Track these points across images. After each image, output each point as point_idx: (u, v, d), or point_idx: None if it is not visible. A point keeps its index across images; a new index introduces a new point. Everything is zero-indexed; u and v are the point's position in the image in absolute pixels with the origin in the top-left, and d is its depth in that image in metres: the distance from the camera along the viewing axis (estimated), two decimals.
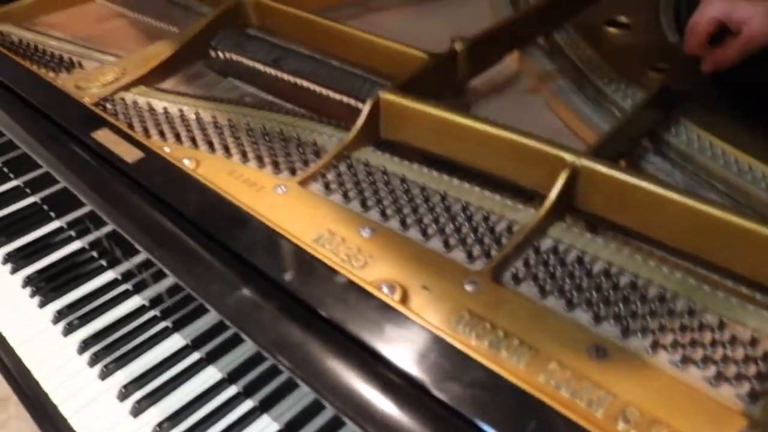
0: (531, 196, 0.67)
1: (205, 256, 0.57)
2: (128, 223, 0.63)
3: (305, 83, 0.84)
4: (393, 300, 0.53)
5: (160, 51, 0.92)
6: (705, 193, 0.70)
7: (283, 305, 0.52)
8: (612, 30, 0.97)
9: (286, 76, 0.86)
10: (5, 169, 1.05)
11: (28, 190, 1.01)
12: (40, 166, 0.82)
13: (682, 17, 1.01)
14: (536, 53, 0.92)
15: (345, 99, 0.81)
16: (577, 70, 0.88)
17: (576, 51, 0.91)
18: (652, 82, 0.84)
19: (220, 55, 0.93)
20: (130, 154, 0.69)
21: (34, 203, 0.99)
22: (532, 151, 0.65)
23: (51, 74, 0.93)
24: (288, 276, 0.54)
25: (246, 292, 0.54)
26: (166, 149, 0.74)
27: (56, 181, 0.81)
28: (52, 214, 0.96)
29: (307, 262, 0.55)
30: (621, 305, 0.55)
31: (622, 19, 0.99)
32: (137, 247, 0.63)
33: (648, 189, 0.60)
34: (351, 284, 0.53)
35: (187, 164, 0.70)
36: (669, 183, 0.70)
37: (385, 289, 0.55)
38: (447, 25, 1.02)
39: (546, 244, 0.61)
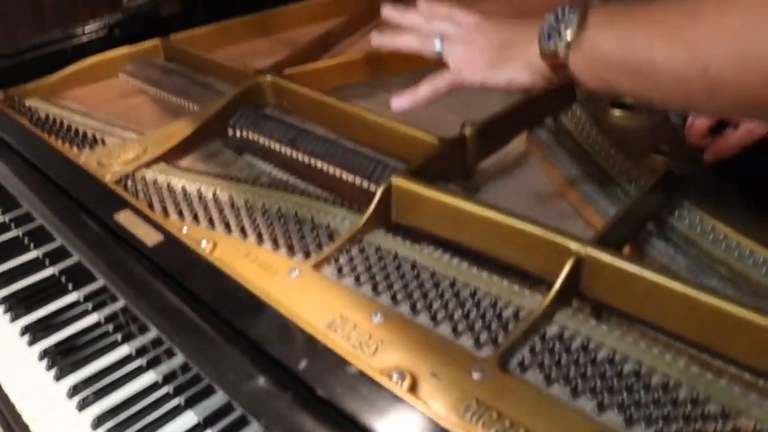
0: (539, 281, 0.69)
1: (221, 343, 0.59)
2: (148, 307, 0.65)
3: (320, 164, 0.88)
4: (403, 389, 0.55)
5: (181, 129, 0.96)
6: (707, 279, 0.72)
7: (297, 394, 0.54)
8: (617, 112, 1.00)
9: (301, 157, 0.90)
10: (26, 240, 1.08)
11: (46, 262, 1.04)
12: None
13: None
14: (543, 134, 0.95)
15: (358, 181, 0.84)
16: (583, 151, 0.91)
17: (582, 133, 0.94)
18: (656, 165, 0.86)
19: (238, 133, 0.97)
20: (150, 236, 0.72)
21: (53, 275, 1.01)
22: (537, 239, 0.67)
23: (75, 150, 0.97)
24: (302, 365, 0.55)
25: (261, 380, 0.55)
26: (185, 230, 0.77)
27: (74, 254, 0.83)
28: (70, 287, 0.98)
29: (320, 351, 0.57)
30: (625, 393, 0.56)
31: (627, 100, 1.02)
32: (157, 333, 0.65)
33: (650, 278, 0.62)
34: (362, 374, 0.55)
35: (205, 246, 0.73)
36: (672, 269, 0.72)
37: (395, 377, 0.56)
38: (458, 104, 1.06)
39: (552, 330, 0.62)
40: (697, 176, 0.83)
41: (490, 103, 0.96)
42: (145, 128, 1.02)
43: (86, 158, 0.93)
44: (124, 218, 0.76)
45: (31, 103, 1.12)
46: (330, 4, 1.36)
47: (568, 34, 0.63)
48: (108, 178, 0.88)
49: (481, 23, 0.78)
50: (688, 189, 0.81)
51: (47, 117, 1.06)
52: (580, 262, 0.65)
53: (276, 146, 0.92)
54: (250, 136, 0.95)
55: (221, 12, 1.30)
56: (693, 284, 0.61)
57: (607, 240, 0.69)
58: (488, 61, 0.74)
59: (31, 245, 1.07)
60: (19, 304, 0.97)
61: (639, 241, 0.75)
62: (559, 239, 0.66)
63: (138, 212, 0.78)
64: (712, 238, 0.75)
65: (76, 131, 1.01)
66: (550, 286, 0.65)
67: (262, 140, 0.94)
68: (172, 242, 0.72)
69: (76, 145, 0.98)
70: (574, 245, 0.65)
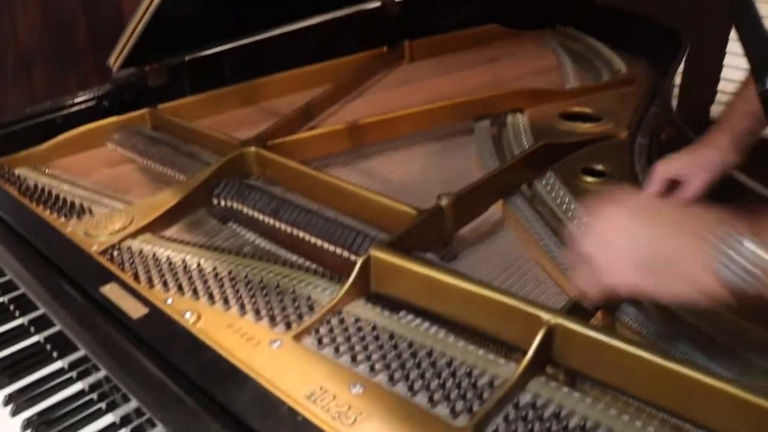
0: (514, 349, 0.71)
1: (204, 417, 0.60)
2: (131, 380, 0.67)
3: (302, 234, 0.90)
4: None
5: (167, 199, 0.98)
6: (677, 343, 0.74)
7: None
8: (589, 178, 1.03)
9: (283, 226, 0.92)
10: (11, 307, 1.08)
11: (32, 329, 1.04)
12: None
13: (655, 161, 1.09)
14: (519, 202, 0.98)
15: (339, 251, 0.86)
16: (557, 218, 0.95)
17: (555, 200, 0.98)
18: None
19: (222, 203, 1.00)
20: (135, 309, 0.74)
21: (37, 342, 1.02)
22: (510, 309, 0.69)
23: (62, 219, 0.99)
24: None
25: None
26: (169, 301, 0.78)
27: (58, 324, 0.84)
28: (54, 354, 0.99)
29: (300, 423, 0.59)
30: None
31: (599, 167, 1.06)
32: (142, 408, 0.66)
33: (618, 347, 0.64)
34: None
35: (188, 318, 0.75)
36: (643, 334, 0.75)
37: None
38: (436, 171, 1.10)
39: (525, 399, 0.64)
40: None
41: (470, 174, 1.00)
42: (132, 197, 1.04)
43: (73, 228, 0.95)
44: (110, 291, 0.78)
45: (20, 171, 1.14)
46: (311, 75, 1.40)
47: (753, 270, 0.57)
48: (94, 248, 0.90)
49: (618, 222, 0.68)
50: None
51: (36, 186, 1.08)
52: (551, 332, 0.67)
53: (259, 216, 0.95)
54: (234, 205, 0.98)
55: (207, 82, 1.34)
56: (660, 352, 0.64)
57: (579, 308, 0.72)
58: (643, 272, 0.64)
59: (17, 313, 1.08)
60: (2, 373, 0.97)
61: (610, 309, 0.78)
62: (530, 309, 0.68)
63: (123, 284, 0.79)
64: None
65: (64, 200, 1.03)
66: (524, 354, 0.67)
67: (246, 210, 0.97)
68: (156, 315, 0.74)
69: (64, 215, 1.00)
70: (545, 315, 0.67)
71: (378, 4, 1.65)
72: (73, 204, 1.02)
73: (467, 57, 1.57)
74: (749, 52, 0.63)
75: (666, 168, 0.98)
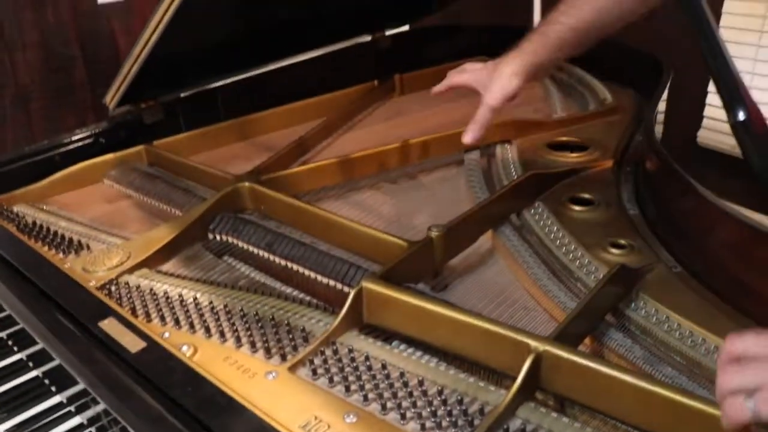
0: (504, 376, 0.73)
1: None
2: (130, 413, 0.68)
3: (296, 267, 0.92)
4: None
5: (163, 235, 1.00)
6: (662, 367, 0.76)
7: None
8: (577, 207, 1.06)
9: (278, 260, 0.94)
10: (9, 342, 1.10)
11: (30, 364, 1.06)
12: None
13: (640, 191, 1.11)
14: (508, 231, 1.01)
15: (332, 283, 0.88)
16: (545, 246, 0.97)
17: (543, 229, 1.00)
18: (614, 259, 0.92)
19: (218, 237, 1.02)
20: (133, 344, 0.75)
21: (36, 377, 1.03)
22: (499, 337, 0.71)
23: (60, 255, 1.01)
24: None
25: None
26: (166, 335, 0.80)
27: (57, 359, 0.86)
28: (53, 389, 1.00)
29: None
30: None
31: (586, 195, 1.09)
32: None
33: (605, 372, 0.66)
34: None
35: (185, 351, 0.76)
36: (629, 359, 0.77)
37: None
38: (427, 203, 1.12)
39: (515, 425, 0.66)
40: (653, 268, 0.89)
41: (459, 205, 1.03)
42: (129, 233, 1.06)
43: (71, 264, 0.97)
44: (108, 326, 0.79)
45: (18, 209, 1.16)
46: (304, 109, 1.44)
47: None
48: (92, 284, 0.91)
49: None
50: (643, 281, 0.86)
51: (34, 223, 1.10)
52: (539, 358, 0.69)
53: (254, 250, 0.97)
54: (230, 240, 1.00)
55: (202, 118, 1.37)
56: (646, 377, 0.66)
57: (567, 334, 0.74)
58: None
59: (15, 348, 1.09)
60: (1, 408, 0.98)
61: (598, 334, 0.80)
62: (519, 337, 0.70)
63: (121, 319, 0.81)
64: (667, 327, 0.80)
65: (62, 237, 1.05)
66: (513, 380, 0.69)
67: (241, 244, 0.99)
68: (154, 349, 0.75)
69: (62, 251, 1.01)
70: (533, 342, 0.69)
71: (369, 38, 1.69)
72: (71, 240, 1.04)
73: (457, 89, 1.60)
74: (719, 85, 0.66)
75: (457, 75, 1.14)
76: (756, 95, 0.75)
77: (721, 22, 2.04)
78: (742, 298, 0.82)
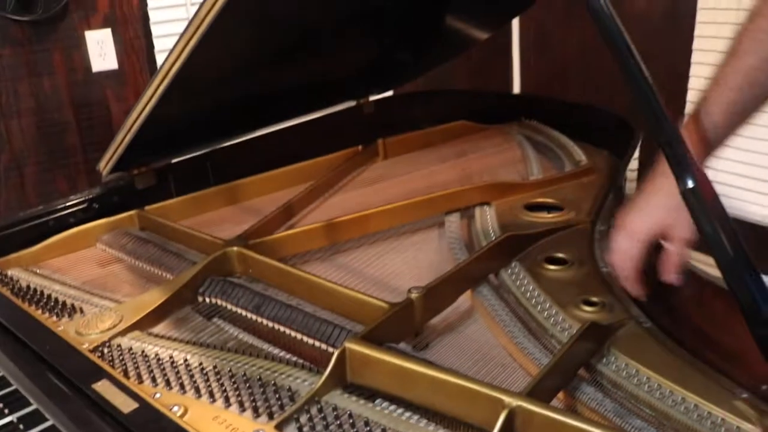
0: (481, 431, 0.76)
1: None
2: None
3: (283, 328, 0.96)
4: None
5: (154, 298, 1.04)
6: (632, 420, 0.80)
7: None
8: (552, 267, 1.11)
9: (265, 322, 0.98)
10: (0, 405, 1.11)
11: (21, 426, 1.07)
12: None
13: None
14: (486, 291, 1.05)
15: (317, 344, 0.92)
16: (521, 306, 1.01)
17: (520, 288, 1.04)
18: (586, 316, 0.97)
19: (207, 300, 1.06)
20: (125, 404, 0.79)
21: None
22: (474, 393, 0.75)
23: (54, 318, 1.04)
24: None
25: None
26: (158, 395, 0.83)
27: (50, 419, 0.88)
28: None
29: None
30: None
31: (561, 255, 1.14)
32: None
33: (575, 426, 0.70)
34: None
35: (176, 411, 0.80)
36: (600, 413, 0.81)
37: None
38: (408, 265, 1.17)
39: None
40: (624, 323, 0.93)
41: (440, 266, 1.07)
42: (121, 296, 1.10)
43: (65, 327, 1.00)
44: (102, 387, 0.82)
45: (13, 272, 1.19)
46: (291, 174, 1.49)
47: None
48: (86, 346, 0.95)
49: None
50: (614, 336, 0.90)
51: (28, 286, 1.13)
52: (512, 414, 0.73)
53: (242, 312, 1.01)
54: (219, 302, 1.04)
55: (192, 183, 1.42)
56: (616, 429, 0.69)
57: (540, 390, 0.78)
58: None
59: (6, 410, 1.11)
60: None
61: (570, 388, 0.84)
62: (493, 393, 0.74)
63: (114, 380, 0.84)
64: (636, 381, 0.84)
65: (56, 300, 1.08)
66: None
67: (230, 306, 1.03)
68: (146, 409, 0.78)
69: (56, 314, 1.05)
70: (506, 398, 0.73)
71: (353, 104, 1.77)
72: (64, 304, 1.07)
73: (438, 152, 1.67)
74: (668, 156, 0.72)
75: (641, 227, 0.93)
76: None
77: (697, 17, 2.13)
78: (706, 349, 0.86)
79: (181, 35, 1.07)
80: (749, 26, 0.85)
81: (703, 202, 0.71)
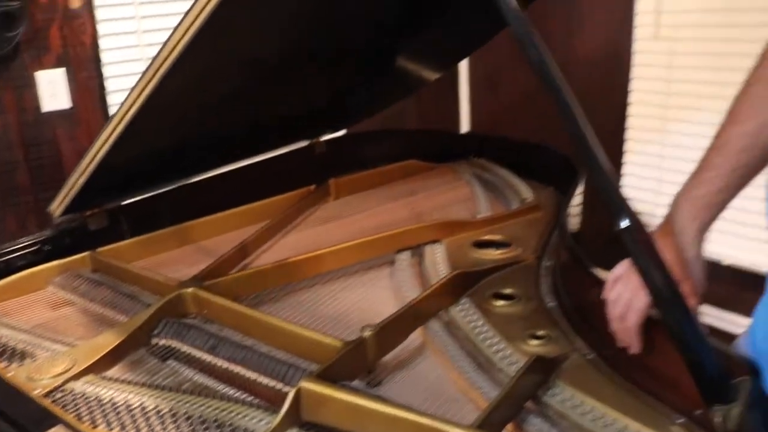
0: None
1: None
2: None
3: (238, 369, 0.98)
4: None
5: (108, 341, 1.04)
6: None
7: None
8: (499, 302, 1.15)
9: (220, 362, 1.00)
10: None
11: None
12: None
13: (558, 282, 1.21)
14: (436, 327, 1.08)
15: (272, 383, 0.94)
16: (470, 341, 1.05)
17: (469, 324, 1.08)
18: (533, 350, 1.01)
19: (162, 342, 1.06)
20: None
21: None
22: (427, 428, 0.78)
23: (4, 364, 1.03)
24: None
25: None
26: None
27: None
28: None
29: None
30: None
31: (508, 291, 1.18)
32: None
33: None
34: None
35: None
36: None
37: None
38: (361, 303, 1.19)
39: None
40: (568, 355, 0.98)
41: (392, 304, 1.10)
42: (74, 340, 1.09)
43: (15, 372, 0.99)
44: None
45: None
46: (245, 214, 1.51)
47: None
48: (38, 392, 0.94)
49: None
50: (560, 369, 0.94)
51: None
52: None
53: (197, 353, 1.02)
54: (173, 344, 1.05)
55: (145, 224, 1.43)
56: None
57: (488, 423, 0.81)
58: None
59: None
60: None
61: (518, 420, 0.87)
62: (443, 427, 0.77)
63: (68, 426, 0.84)
64: (581, 411, 0.88)
65: (5, 345, 1.07)
66: None
67: (185, 348, 1.04)
68: None
69: (6, 360, 1.04)
70: (454, 431, 0.76)
71: (306, 143, 1.80)
72: (14, 349, 1.07)
73: (389, 191, 1.71)
74: (605, 198, 0.77)
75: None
76: None
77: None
78: (647, 378, 0.91)
79: (139, 80, 1.09)
80: (748, 91, 0.90)
81: (636, 242, 0.76)
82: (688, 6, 2.10)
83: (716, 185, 0.90)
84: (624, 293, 0.93)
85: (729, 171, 0.90)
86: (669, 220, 0.94)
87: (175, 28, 1.03)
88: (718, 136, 0.92)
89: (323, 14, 1.33)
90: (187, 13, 1.01)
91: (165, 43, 1.04)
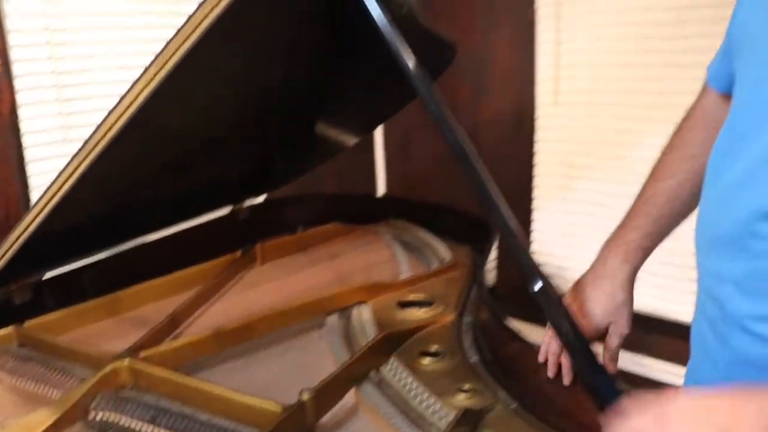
0: None
1: None
2: None
3: None
4: None
5: (42, 419, 1.02)
6: None
7: None
8: (426, 360, 1.21)
9: None
10: None
11: None
12: None
13: (479, 337, 1.29)
14: (369, 387, 1.13)
15: None
16: (402, 399, 1.10)
17: (399, 382, 1.14)
18: (460, 403, 1.07)
19: (99, 416, 1.07)
20: None
21: None
22: None
23: None
24: None
25: None
26: None
27: None
28: None
29: None
30: None
31: (433, 348, 1.25)
32: None
33: None
34: None
35: None
36: None
37: None
38: (295, 366, 1.23)
39: None
40: (492, 406, 1.05)
41: (325, 366, 1.15)
42: (2, 419, 1.07)
43: None
44: None
45: None
46: (172, 283, 1.53)
47: None
48: None
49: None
50: (485, 419, 1.01)
51: None
52: None
53: (137, 426, 1.03)
54: (112, 418, 1.06)
55: (70, 296, 1.42)
56: None
57: None
58: None
59: None
60: None
61: None
62: None
63: None
64: None
65: None
66: None
67: (123, 421, 1.04)
68: None
69: None
70: None
71: (229, 210, 1.84)
72: None
73: (313, 255, 1.77)
74: (519, 262, 0.86)
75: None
76: None
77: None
78: (570, 425, 0.98)
79: (73, 157, 1.12)
80: (666, 154, 1.05)
81: (550, 301, 0.85)
82: (582, 74, 2.30)
83: (645, 230, 1.04)
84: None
85: (656, 218, 1.04)
86: (599, 265, 1.05)
87: (109, 112, 1.08)
88: (645, 190, 1.07)
89: (249, 88, 1.40)
90: (119, 101, 1.06)
91: (98, 127, 1.09)
